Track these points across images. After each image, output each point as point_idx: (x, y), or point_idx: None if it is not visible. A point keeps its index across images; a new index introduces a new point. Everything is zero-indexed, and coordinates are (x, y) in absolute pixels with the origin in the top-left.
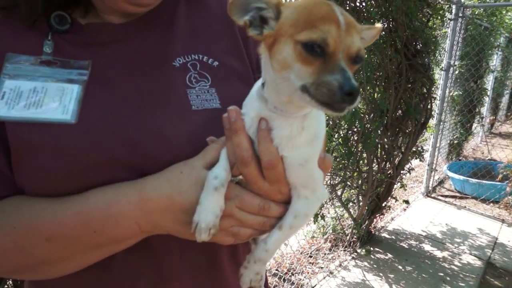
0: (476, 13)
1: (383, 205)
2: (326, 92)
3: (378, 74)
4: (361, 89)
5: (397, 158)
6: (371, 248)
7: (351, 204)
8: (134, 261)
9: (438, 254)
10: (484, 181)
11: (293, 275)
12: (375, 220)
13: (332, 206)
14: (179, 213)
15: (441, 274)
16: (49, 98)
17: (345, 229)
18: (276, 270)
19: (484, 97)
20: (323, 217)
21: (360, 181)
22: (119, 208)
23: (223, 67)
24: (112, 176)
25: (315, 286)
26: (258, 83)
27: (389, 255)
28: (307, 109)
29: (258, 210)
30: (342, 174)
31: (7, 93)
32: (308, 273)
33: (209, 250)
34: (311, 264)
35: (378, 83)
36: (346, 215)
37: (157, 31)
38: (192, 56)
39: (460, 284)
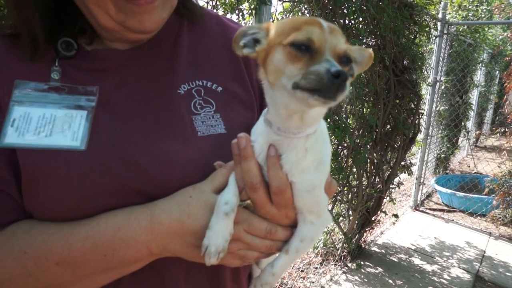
0: (460, 30)
1: (373, 219)
2: (315, 78)
3: (367, 90)
4: (350, 105)
5: (387, 173)
6: (362, 262)
7: (341, 218)
8: (140, 283)
9: (428, 267)
10: (471, 195)
11: None
12: (365, 234)
13: None
14: (188, 236)
15: (431, 287)
16: (59, 124)
17: (335, 244)
18: None
19: (470, 112)
20: None
21: (350, 195)
22: (129, 232)
23: (226, 93)
24: (121, 201)
25: None
26: (265, 110)
27: (380, 269)
28: (308, 127)
29: (265, 234)
30: None
31: (17, 120)
32: (299, 287)
33: (213, 272)
34: (302, 279)
35: (367, 99)
36: (337, 229)
37: (161, 57)
38: (196, 82)
39: None
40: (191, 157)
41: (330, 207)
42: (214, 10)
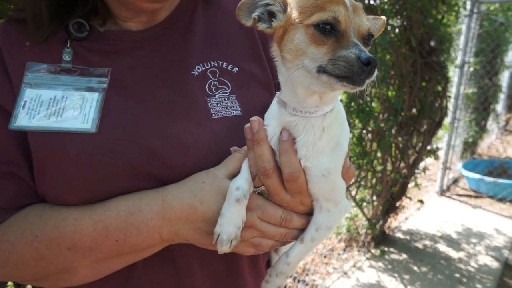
0: (491, 8)
1: (397, 204)
2: (345, 65)
3: (392, 72)
4: (374, 88)
5: (412, 157)
6: (386, 249)
7: (365, 204)
8: (154, 269)
9: (454, 254)
10: (500, 180)
11: (307, 275)
12: (389, 220)
13: None
14: (200, 222)
15: (457, 275)
16: (70, 107)
17: (359, 229)
18: None
19: (499, 94)
20: None
21: (374, 180)
22: (141, 217)
23: (243, 73)
24: (133, 185)
25: (329, 286)
26: (278, 92)
27: (404, 256)
28: (326, 106)
29: (280, 221)
30: (356, 174)
31: (28, 102)
32: (322, 273)
33: (229, 258)
34: (325, 265)
35: (392, 81)
36: (360, 215)
37: (175, 38)
38: (211, 63)
39: (477, 285)
40: (204, 140)
41: (354, 193)
42: None
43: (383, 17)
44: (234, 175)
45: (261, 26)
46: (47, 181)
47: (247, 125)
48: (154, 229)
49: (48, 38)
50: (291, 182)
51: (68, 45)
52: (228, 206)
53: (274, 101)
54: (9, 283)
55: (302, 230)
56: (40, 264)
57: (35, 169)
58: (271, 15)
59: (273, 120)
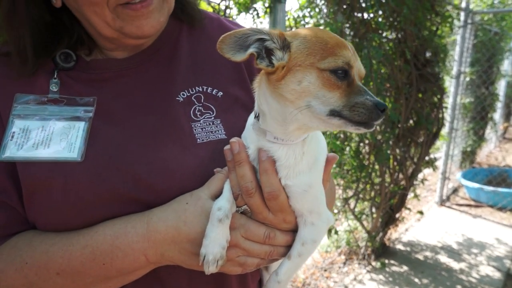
0: (485, 18)
1: (397, 216)
2: (364, 112)
3: (388, 85)
4: None
5: (410, 169)
6: (386, 261)
7: (364, 216)
8: None
9: (455, 265)
10: (499, 189)
11: None
12: (389, 231)
13: (346, 219)
14: (186, 243)
15: (459, 286)
16: (57, 136)
17: (359, 242)
18: (291, 285)
19: (496, 103)
20: (336, 232)
21: (373, 193)
22: (126, 240)
23: (227, 97)
24: (119, 210)
25: None
26: (251, 116)
27: (405, 268)
28: (306, 133)
29: (263, 239)
30: (355, 186)
31: (16, 133)
32: (322, 287)
33: (217, 279)
34: (325, 278)
35: (388, 94)
36: (360, 227)
37: (160, 63)
38: (196, 89)
39: None
40: (189, 165)
41: (352, 206)
42: (228, 10)
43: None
44: (217, 195)
45: (261, 64)
46: (36, 208)
47: (227, 146)
48: (140, 252)
49: (28, 73)
50: (271, 200)
51: (55, 76)
52: (211, 227)
53: (249, 127)
54: None
55: (289, 247)
56: None
57: (24, 198)
58: (268, 51)
59: (252, 144)
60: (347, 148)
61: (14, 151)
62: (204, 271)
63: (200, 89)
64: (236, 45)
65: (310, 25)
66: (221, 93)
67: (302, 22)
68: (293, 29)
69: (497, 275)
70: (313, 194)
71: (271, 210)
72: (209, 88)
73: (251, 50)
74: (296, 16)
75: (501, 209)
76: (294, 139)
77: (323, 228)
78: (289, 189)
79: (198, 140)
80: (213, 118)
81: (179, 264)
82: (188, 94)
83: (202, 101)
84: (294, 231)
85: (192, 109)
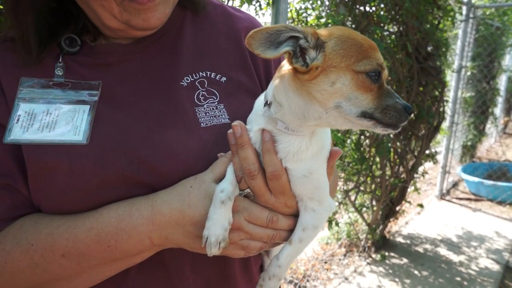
0: (487, 13)
1: (397, 209)
2: (395, 115)
3: (389, 78)
4: None
5: (411, 162)
6: (386, 253)
7: (365, 209)
8: (147, 275)
9: (455, 258)
10: (499, 183)
11: (308, 281)
12: (389, 224)
13: (346, 212)
14: (189, 226)
15: (458, 278)
16: (62, 119)
17: (359, 234)
18: (291, 277)
19: (497, 98)
20: (337, 223)
21: (373, 185)
22: (131, 223)
23: (230, 82)
24: (124, 193)
25: None
26: (260, 99)
27: (405, 260)
28: (321, 128)
29: (266, 223)
30: (355, 179)
31: (22, 116)
32: (323, 279)
33: (220, 263)
34: (326, 270)
35: (390, 87)
36: (360, 220)
37: (164, 50)
38: (199, 74)
39: None
40: (193, 148)
41: (353, 198)
42: (230, 2)
43: None
44: (220, 179)
45: (296, 64)
46: (41, 191)
47: (230, 130)
48: (144, 234)
49: (33, 62)
50: (274, 180)
51: (60, 60)
52: (214, 209)
53: (258, 111)
54: None
55: (291, 231)
56: (35, 271)
57: (30, 181)
58: (301, 50)
59: (257, 126)
60: (348, 141)
61: (19, 134)
62: (207, 253)
63: (204, 74)
64: (267, 41)
65: (312, 17)
66: (225, 78)
67: (304, 14)
68: (299, 23)
69: (496, 267)
70: (313, 180)
71: (273, 192)
72: (213, 73)
73: (286, 48)
74: (298, 8)
75: (500, 203)
76: (306, 132)
77: (324, 215)
78: (289, 173)
79: (202, 124)
80: (216, 103)
81: (183, 247)
82: (192, 79)
83: (206, 86)
84: (296, 216)
85: (196, 94)
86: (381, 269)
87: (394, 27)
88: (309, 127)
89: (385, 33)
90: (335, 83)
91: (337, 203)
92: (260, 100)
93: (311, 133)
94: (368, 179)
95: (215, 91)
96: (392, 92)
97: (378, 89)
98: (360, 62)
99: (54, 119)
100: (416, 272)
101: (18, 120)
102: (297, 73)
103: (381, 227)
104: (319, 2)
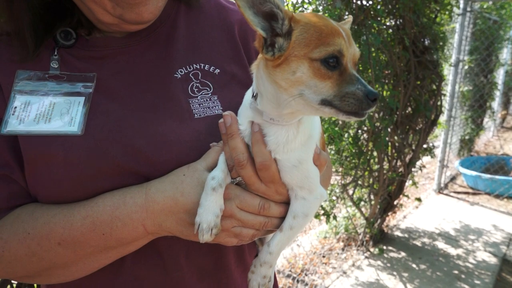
0: (485, 6)
1: (395, 203)
2: (354, 102)
3: (386, 72)
4: None
5: (408, 156)
6: (384, 247)
7: (362, 203)
8: (141, 264)
9: (452, 251)
10: (497, 177)
11: (306, 275)
12: (387, 218)
13: (344, 206)
14: (182, 213)
15: (456, 271)
16: (57, 111)
17: (357, 229)
18: (289, 271)
19: (495, 91)
20: (335, 217)
21: (371, 180)
22: (125, 211)
23: (224, 74)
24: (119, 183)
25: (328, 286)
26: (249, 93)
27: (403, 254)
28: (300, 116)
29: (258, 210)
30: (353, 173)
31: (18, 108)
32: (321, 273)
33: (215, 252)
34: (324, 264)
35: (386, 81)
36: (358, 214)
37: (158, 42)
38: (193, 66)
39: (476, 281)
40: (186, 138)
41: (351, 192)
42: None
43: (350, 17)
44: (213, 167)
45: (266, 55)
46: (38, 182)
47: (221, 120)
48: (138, 222)
49: (28, 58)
50: (263, 171)
51: (55, 53)
52: (205, 196)
53: (246, 104)
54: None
55: (283, 218)
56: (32, 260)
57: (26, 171)
58: (274, 30)
59: (246, 119)
60: (346, 135)
61: (15, 125)
62: (199, 240)
63: (198, 66)
64: (253, 4)
65: (309, 11)
66: (218, 70)
67: (301, 9)
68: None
69: (493, 260)
70: (303, 170)
71: (263, 181)
72: (206, 65)
73: (260, 27)
74: (295, 1)
75: (498, 196)
76: (289, 121)
77: (315, 203)
78: (278, 163)
79: (196, 115)
80: (210, 94)
81: (176, 235)
82: (186, 71)
83: (200, 78)
84: (287, 203)
85: (190, 85)
86: (379, 263)
87: (391, 21)
88: (287, 115)
89: (382, 27)
90: (296, 72)
91: (335, 197)
92: (249, 93)
93: (298, 122)
94: (366, 173)
95: (209, 83)
96: (356, 78)
97: (338, 76)
98: (316, 49)
99: (49, 111)
100: (414, 265)
101: (14, 112)
102: (267, 61)
103: (379, 221)
104: None
